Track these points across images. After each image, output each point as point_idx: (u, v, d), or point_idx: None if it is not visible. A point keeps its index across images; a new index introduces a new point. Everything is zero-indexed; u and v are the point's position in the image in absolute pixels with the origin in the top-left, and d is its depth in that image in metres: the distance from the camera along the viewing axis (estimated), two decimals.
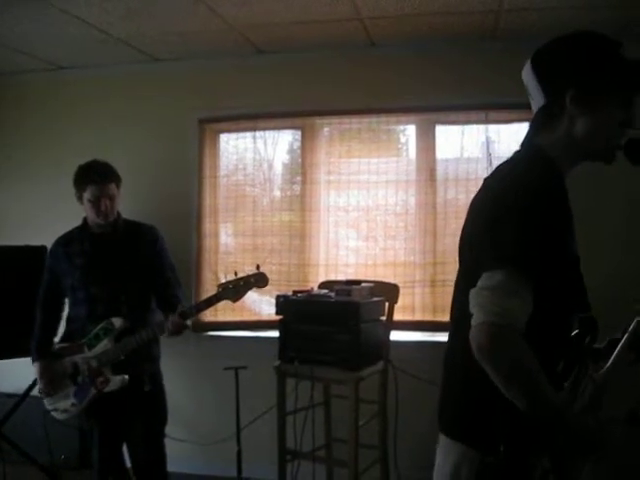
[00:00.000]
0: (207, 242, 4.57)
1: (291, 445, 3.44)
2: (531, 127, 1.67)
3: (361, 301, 3.34)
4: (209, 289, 4.35)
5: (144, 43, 4.18)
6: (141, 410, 3.28)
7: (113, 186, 3.27)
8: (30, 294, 3.46)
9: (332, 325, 3.32)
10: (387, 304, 3.61)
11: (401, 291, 3.72)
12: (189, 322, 3.21)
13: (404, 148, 4.48)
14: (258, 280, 3.19)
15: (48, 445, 3.74)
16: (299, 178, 4.47)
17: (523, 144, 1.68)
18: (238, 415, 3.67)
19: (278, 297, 3.52)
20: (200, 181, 4.56)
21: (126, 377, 3.13)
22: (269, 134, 4.57)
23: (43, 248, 3.72)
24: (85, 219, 3.34)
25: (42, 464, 3.99)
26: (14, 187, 4.76)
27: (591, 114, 1.56)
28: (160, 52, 4.39)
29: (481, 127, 4.16)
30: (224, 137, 4.65)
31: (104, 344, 3.16)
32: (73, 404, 3.19)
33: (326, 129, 4.45)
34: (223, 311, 4.48)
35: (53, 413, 3.28)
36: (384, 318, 3.59)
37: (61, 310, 3.41)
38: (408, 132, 4.43)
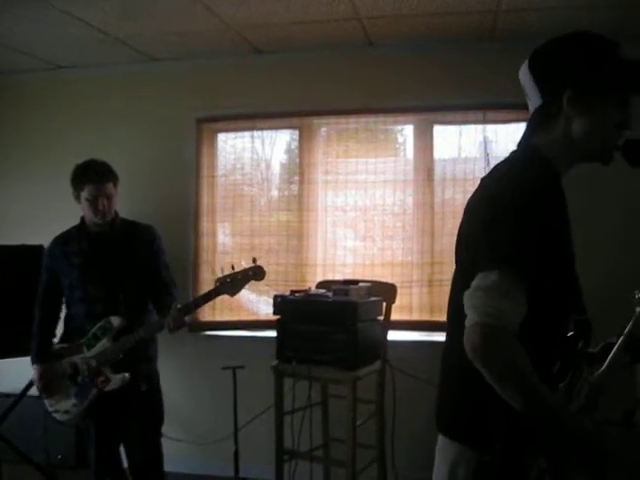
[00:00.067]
0: (205, 241, 4.57)
1: (288, 445, 3.44)
2: (528, 127, 1.66)
3: (359, 301, 3.35)
4: (206, 288, 4.31)
5: (142, 43, 4.18)
6: (137, 410, 3.28)
7: (111, 185, 3.27)
8: (27, 294, 3.47)
9: (330, 325, 3.32)
10: (385, 304, 3.61)
11: (399, 291, 3.72)
12: (188, 318, 3.21)
13: (402, 148, 4.48)
14: (256, 273, 3.19)
15: (45, 445, 3.74)
16: (297, 178, 4.47)
17: (520, 144, 1.68)
18: (235, 415, 3.66)
19: (276, 297, 3.52)
20: (198, 180, 4.56)
21: (127, 375, 3.13)
22: (267, 134, 4.57)
23: (40, 247, 3.72)
24: (83, 218, 3.34)
25: (39, 463, 3.99)
26: (13, 186, 4.76)
27: (588, 115, 1.55)
28: (158, 52, 4.39)
29: (479, 127, 4.17)
30: (222, 137, 4.65)
31: (103, 343, 3.16)
32: (74, 405, 3.19)
33: (324, 129, 4.45)
34: (220, 311, 4.49)
35: (54, 415, 3.27)
36: (382, 318, 3.59)
37: (60, 309, 3.41)
38: (406, 132, 4.44)
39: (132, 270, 3.28)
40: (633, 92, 1.58)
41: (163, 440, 3.40)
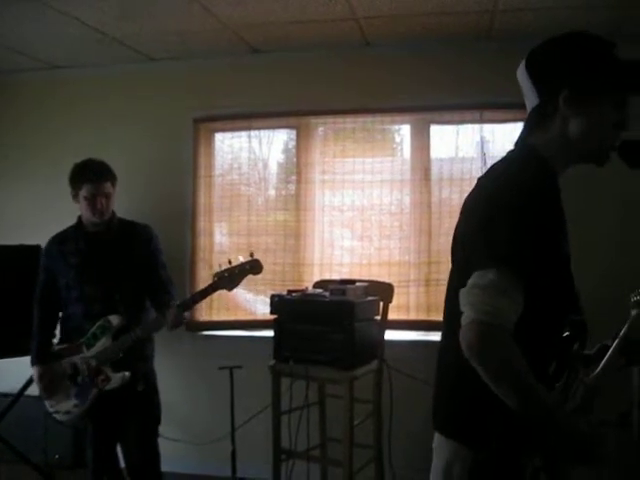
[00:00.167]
0: (202, 241, 4.56)
1: (286, 444, 3.44)
2: (525, 127, 1.67)
3: (356, 300, 3.35)
4: None
5: (139, 43, 4.18)
6: (134, 409, 3.27)
7: (109, 184, 3.27)
8: (25, 294, 3.46)
9: (327, 324, 3.32)
10: (382, 303, 3.61)
11: (396, 290, 3.72)
12: (186, 315, 3.21)
13: (399, 148, 4.48)
14: (253, 267, 3.20)
15: (45, 445, 3.74)
16: (294, 177, 4.47)
17: (517, 144, 1.69)
18: (233, 414, 3.67)
19: (273, 296, 3.52)
20: (195, 180, 4.55)
21: (127, 374, 3.13)
22: (264, 133, 4.57)
23: (38, 247, 3.72)
24: (80, 218, 3.34)
25: (36, 463, 3.98)
26: (11, 186, 4.75)
27: (585, 115, 1.56)
28: (155, 52, 4.39)
29: (476, 127, 4.17)
30: (219, 136, 4.65)
31: (102, 343, 3.16)
32: (75, 405, 3.18)
33: (321, 129, 4.45)
34: (218, 310, 4.49)
35: (55, 415, 3.25)
36: (379, 317, 3.60)
37: (58, 308, 3.39)
38: (403, 132, 4.44)
39: (129, 270, 3.28)
40: (630, 92, 1.59)
41: (160, 440, 3.39)
